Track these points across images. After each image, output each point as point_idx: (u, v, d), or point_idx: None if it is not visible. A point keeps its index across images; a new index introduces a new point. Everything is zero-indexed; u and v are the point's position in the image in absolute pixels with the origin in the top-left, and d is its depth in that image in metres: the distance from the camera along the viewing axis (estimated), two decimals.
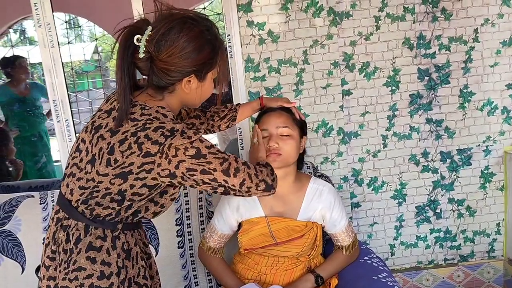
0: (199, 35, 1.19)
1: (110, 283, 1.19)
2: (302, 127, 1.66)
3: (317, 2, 2.24)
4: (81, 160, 1.22)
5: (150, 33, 1.17)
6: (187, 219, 1.92)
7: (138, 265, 1.26)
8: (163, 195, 1.27)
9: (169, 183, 1.21)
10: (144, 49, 1.16)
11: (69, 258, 1.20)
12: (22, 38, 7.77)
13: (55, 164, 4.18)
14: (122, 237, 1.24)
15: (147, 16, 1.24)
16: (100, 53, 8.38)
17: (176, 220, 1.91)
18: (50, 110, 4.07)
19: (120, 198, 1.18)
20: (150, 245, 1.74)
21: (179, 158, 1.15)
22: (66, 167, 1.27)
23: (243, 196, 1.27)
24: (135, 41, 1.16)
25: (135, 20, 1.23)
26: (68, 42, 5.34)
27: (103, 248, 1.20)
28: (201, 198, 1.94)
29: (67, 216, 1.23)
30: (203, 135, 1.25)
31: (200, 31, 1.19)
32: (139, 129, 1.15)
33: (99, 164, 1.17)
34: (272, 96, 2.29)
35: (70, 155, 1.27)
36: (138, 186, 1.17)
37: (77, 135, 1.30)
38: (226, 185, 1.21)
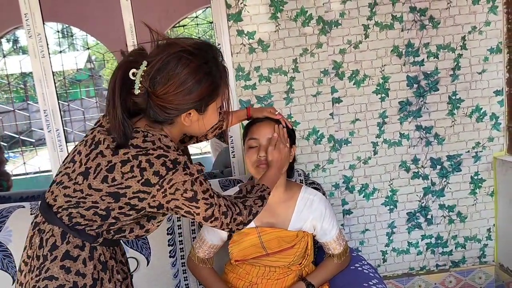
0: (196, 70, 1.13)
1: None
2: (291, 136, 1.67)
3: (306, 11, 2.26)
4: (73, 171, 1.19)
5: (145, 68, 1.13)
6: (178, 228, 1.92)
7: (114, 278, 1.23)
8: (151, 220, 1.27)
9: (154, 211, 1.22)
10: (140, 84, 1.12)
11: (42, 265, 1.17)
12: (14, 47, 7.77)
13: (45, 174, 4.05)
14: (100, 248, 1.21)
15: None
16: (93, 62, 8.38)
17: (167, 229, 1.91)
18: None
19: (105, 214, 1.17)
20: (136, 258, 1.76)
21: (175, 197, 1.15)
22: (57, 175, 1.24)
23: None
24: (130, 75, 1.13)
25: (130, 50, 1.20)
26: (60, 51, 5.34)
27: (80, 258, 1.17)
28: None
29: (44, 220, 1.21)
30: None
31: (197, 66, 1.14)
32: (140, 153, 1.13)
33: (93, 179, 1.15)
34: (263, 105, 2.30)
35: (63, 164, 1.25)
36: (127, 209, 1.17)
37: (76, 144, 1.28)
38: (200, 223, 1.25)
